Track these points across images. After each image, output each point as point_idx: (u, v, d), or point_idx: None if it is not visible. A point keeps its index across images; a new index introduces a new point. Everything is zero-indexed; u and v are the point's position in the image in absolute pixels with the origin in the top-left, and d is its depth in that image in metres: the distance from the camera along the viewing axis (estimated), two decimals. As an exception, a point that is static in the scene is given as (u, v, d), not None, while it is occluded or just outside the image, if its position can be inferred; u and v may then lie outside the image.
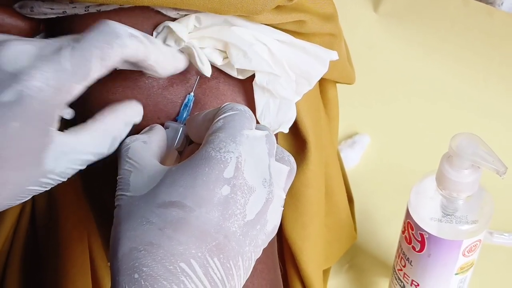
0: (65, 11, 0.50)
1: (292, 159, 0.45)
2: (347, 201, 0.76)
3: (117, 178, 0.43)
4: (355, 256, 0.80)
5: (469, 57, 0.93)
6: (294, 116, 0.53)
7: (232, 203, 0.40)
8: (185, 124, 0.49)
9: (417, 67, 0.94)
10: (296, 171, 0.57)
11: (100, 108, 0.47)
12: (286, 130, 0.53)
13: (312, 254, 0.63)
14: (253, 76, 0.51)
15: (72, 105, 0.52)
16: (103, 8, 0.49)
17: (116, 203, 0.42)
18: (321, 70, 0.53)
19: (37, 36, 0.53)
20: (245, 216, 0.41)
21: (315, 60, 0.53)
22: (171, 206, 0.40)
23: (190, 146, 0.49)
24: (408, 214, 0.65)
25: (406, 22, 0.95)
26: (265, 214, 0.42)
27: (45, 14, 0.50)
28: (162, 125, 0.49)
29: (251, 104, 0.52)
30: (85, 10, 0.49)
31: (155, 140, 0.46)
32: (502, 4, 0.91)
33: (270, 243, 0.50)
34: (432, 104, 0.92)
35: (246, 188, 0.41)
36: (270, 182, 0.42)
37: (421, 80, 0.94)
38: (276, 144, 0.44)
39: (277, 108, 0.52)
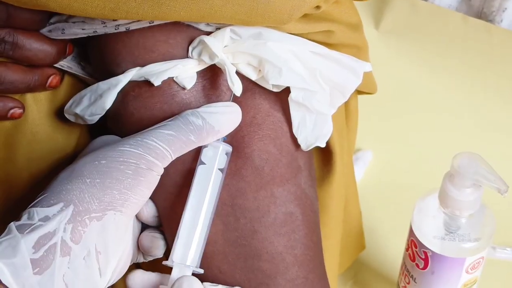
0: (96, 31, 0.52)
1: None
2: (359, 210, 0.77)
3: None
4: (359, 272, 0.82)
5: (469, 73, 0.94)
6: (331, 130, 0.55)
7: None
8: (224, 141, 0.51)
9: (419, 84, 0.96)
10: (323, 182, 0.59)
11: (136, 124, 0.51)
12: (323, 145, 0.54)
13: (330, 264, 0.64)
14: (288, 87, 0.52)
15: (107, 119, 0.54)
16: (132, 26, 0.51)
17: None
18: (355, 82, 0.54)
19: (64, 60, 0.56)
20: None
21: (349, 72, 0.54)
22: None
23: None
24: (411, 232, 0.66)
25: (407, 39, 0.96)
26: None
27: (76, 34, 0.53)
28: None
29: (288, 115, 0.54)
30: (115, 29, 0.51)
31: None
32: (501, 21, 0.92)
33: (318, 254, 0.52)
34: (433, 120, 0.93)
35: None
36: None
37: (422, 96, 0.95)
38: None
39: (313, 123, 0.54)
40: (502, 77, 0.93)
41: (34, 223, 0.46)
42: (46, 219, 0.46)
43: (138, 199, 0.48)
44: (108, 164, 0.47)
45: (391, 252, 0.82)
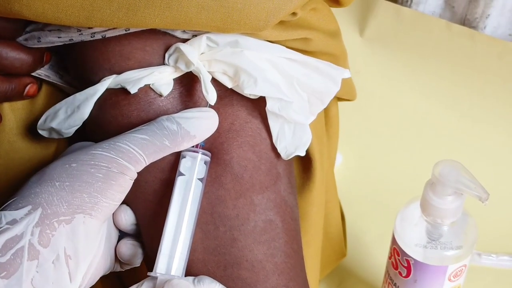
0: (72, 39, 0.52)
1: None
2: (339, 217, 0.77)
3: None
4: (344, 280, 0.82)
5: (453, 79, 0.95)
6: (310, 139, 0.55)
7: None
8: (203, 147, 0.51)
9: (403, 90, 0.96)
10: (303, 189, 0.59)
11: (114, 132, 0.51)
12: (303, 154, 0.54)
13: (312, 272, 0.64)
14: None
15: (86, 127, 0.54)
16: (108, 34, 0.51)
17: None
18: (333, 89, 0.54)
19: (42, 68, 0.56)
20: None
21: (327, 79, 0.54)
22: None
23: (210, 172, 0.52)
24: (394, 240, 0.66)
25: (392, 45, 0.97)
26: None
27: (52, 42, 0.53)
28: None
29: (266, 122, 0.54)
30: (91, 37, 0.51)
31: None
32: (485, 27, 0.93)
33: (299, 262, 0.53)
34: (417, 127, 0.94)
35: None
36: None
37: (406, 103, 0.96)
38: None
39: (292, 132, 0.54)
40: (486, 84, 0.93)
41: (1, 226, 0.45)
42: (13, 222, 0.46)
43: (109, 202, 0.48)
44: (79, 167, 0.47)
45: (375, 260, 0.82)
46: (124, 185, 0.48)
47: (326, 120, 0.66)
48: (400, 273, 0.67)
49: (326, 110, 0.65)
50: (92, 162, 0.47)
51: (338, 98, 0.66)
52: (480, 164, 0.87)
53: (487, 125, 0.92)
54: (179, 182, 0.51)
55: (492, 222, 0.83)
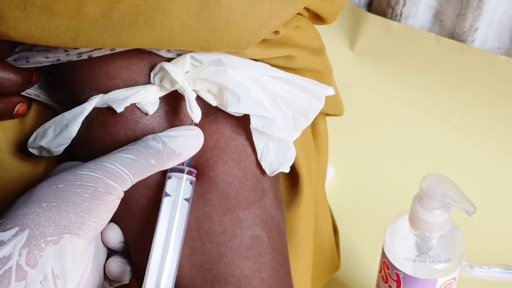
0: (59, 59, 0.53)
1: None
2: (332, 231, 0.77)
3: None
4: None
5: (442, 93, 0.95)
6: (294, 155, 0.55)
7: None
8: (188, 165, 0.52)
9: (393, 103, 0.97)
10: (291, 204, 0.60)
11: (101, 150, 0.51)
12: (287, 170, 0.55)
13: (302, 287, 0.64)
14: None
15: (73, 145, 0.55)
16: (94, 54, 0.52)
17: None
18: (317, 106, 0.55)
19: (32, 88, 0.56)
20: None
21: (311, 96, 0.55)
22: None
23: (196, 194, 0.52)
24: (383, 254, 0.66)
25: (382, 59, 0.98)
26: None
27: (41, 63, 0.54)
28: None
29: (251, 139, 0.54)
30: (78, 57, 0.52)
31: None
32: (473, 41, 0.93)
33: (286, 276, 0.54)
34: (408, 141, 0.94)
35: None
36: None
37: (396, 116, 0.96)
38: None
39: (276, 148, 0.54)
40: (476, 96, 0.94)
41: None
42: (1, 243, 0.46)
43: (96, 222, 0.48)
44: (65, 188, 0.48)
45: (368, 273, 0.83)
46: (111, 205, 0.49)
47: (314, 135, 0.66)
48: (390, 287, 0.67)
49: (313, 126, 0.66)
50: (79, 183, 0.48)
51: (325, 114, 0.66)
52: (471, 176, 0.88)
53: (478, 137, 0.93)
54: (166, 202, 0.51)
55: (484, 234, 0.84)
